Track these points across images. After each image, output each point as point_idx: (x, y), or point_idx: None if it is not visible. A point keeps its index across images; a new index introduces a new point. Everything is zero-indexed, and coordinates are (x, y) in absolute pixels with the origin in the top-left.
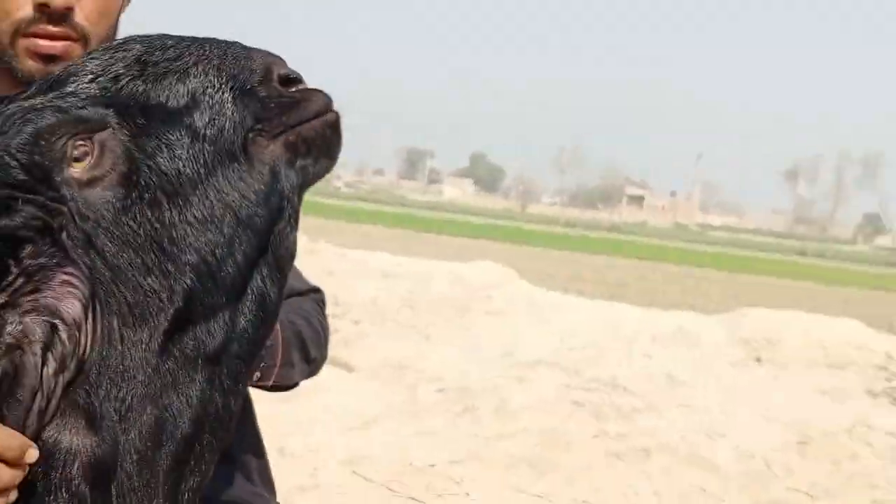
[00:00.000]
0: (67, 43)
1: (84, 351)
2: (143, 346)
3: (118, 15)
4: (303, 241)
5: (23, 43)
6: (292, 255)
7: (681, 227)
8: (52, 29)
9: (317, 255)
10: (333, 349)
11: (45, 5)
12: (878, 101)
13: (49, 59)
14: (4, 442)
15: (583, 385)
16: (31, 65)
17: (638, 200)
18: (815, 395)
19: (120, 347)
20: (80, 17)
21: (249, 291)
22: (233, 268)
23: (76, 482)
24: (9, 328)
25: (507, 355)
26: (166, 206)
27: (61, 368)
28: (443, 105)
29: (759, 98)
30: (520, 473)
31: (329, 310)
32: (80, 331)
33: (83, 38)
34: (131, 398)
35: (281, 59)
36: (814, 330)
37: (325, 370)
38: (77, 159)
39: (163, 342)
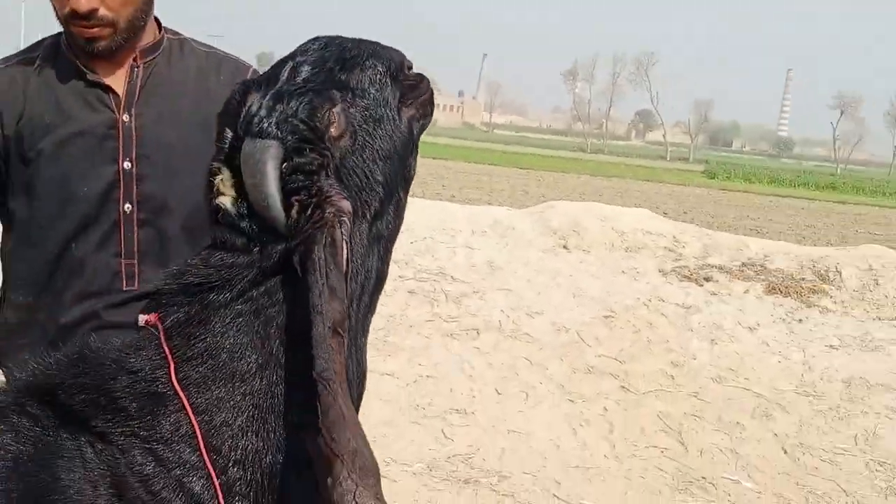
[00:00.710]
0: (97, 29)
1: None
2: (362, 231)
3: None
4: None
5: (70, 27)
6: (413, 177)
7: (468, 127)
8: (84, 23)
9: None
10: None
11: (74, 10)
12: (649, 5)
13: (88, 39)
14: None
15: (416, 276)
16: (83, 42)
17: None
18: (616, 275)
19: (353, 232)
20: (103, 10)
21: (396, 198)
22: (394, 183)
23: None
24: (327, 214)
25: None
26: (369, 148)
27: (345, 241)
28: None
29: (541, 1)
30: (368, 357)
31: None
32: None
33: (110, 24)
34: (356, 260)
35: (403, 54)
36: (610, 218)
37: None
38: (330, 121)
39: (368, 229)
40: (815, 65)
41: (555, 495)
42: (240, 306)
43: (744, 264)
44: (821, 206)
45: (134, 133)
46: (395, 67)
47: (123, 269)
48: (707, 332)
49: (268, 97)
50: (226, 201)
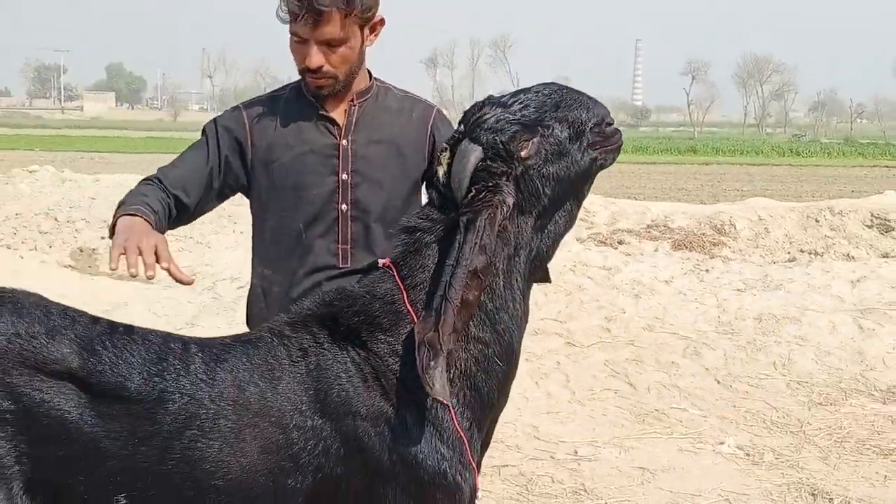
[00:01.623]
0: (323, 80)
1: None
2: (528, 221)
3: (358, 56)
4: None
5: (305, 78)
6: (585, 197)
7: None
8: (313, 75)
9: (68, 184)
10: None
11: (306, 67)
12: None
13: (318, 87)
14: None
15: None
16: (313, 90)
17: None
18: None
19: (519, 219)
20: (327, 67)
21: (566, 208)
22: (562, 198)
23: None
24: (495, 199)
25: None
26: (546, 171)
27: (500, 221)
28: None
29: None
30: None
31: (104, 232)
32: (510, 209)
33: (333, 77)
34: (521, 237)
35: (607, 110)
36: None
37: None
38: (523, 147)
39: (534, 221)
40: (662, 33)
41: (536, 437)
42: (435, 247)
43: (648, 226)
44: (686, 168)
45: (350, 154)
46: (595, 122)
47: (340, 252)
48: (630, 288)
49: (495, 116)
50: (440, 171)
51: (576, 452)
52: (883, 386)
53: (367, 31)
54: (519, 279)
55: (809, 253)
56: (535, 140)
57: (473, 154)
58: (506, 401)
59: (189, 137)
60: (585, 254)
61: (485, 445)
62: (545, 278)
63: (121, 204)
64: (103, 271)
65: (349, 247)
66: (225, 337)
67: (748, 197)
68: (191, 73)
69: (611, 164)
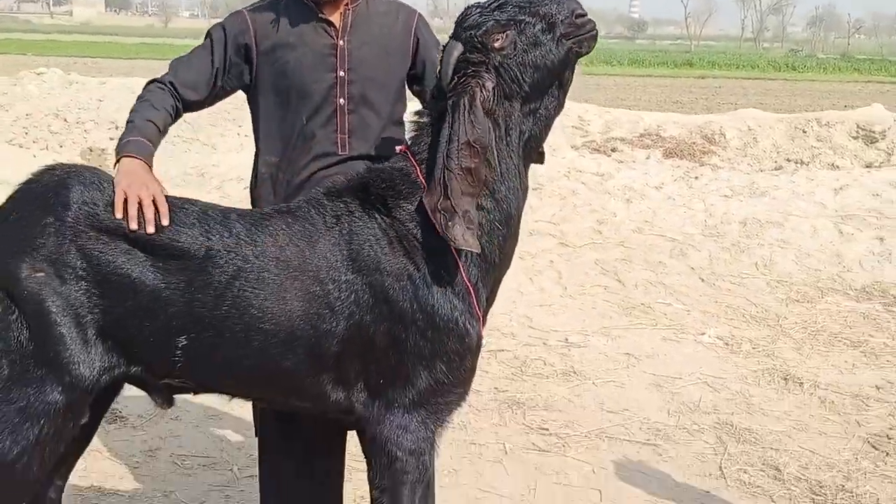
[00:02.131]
0: None
1: (491, 102)
2: (515, 106)
3: None
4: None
5: None
6: (568, 85)
7: None
8: None
9: (76, 86)
10: None
11: None
12: None
13: None
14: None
15: None
16: None
17: None
18: None
19: (505, 104)
20: None
21: (551, 93)
22: (544, 84)
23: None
24: (471, 82)
25: None
26: (522, 59)
27: (482, 101)
28: None
29: None
30: None
31: (113, 133)
32: (491, 92)
33: None
34: (512, 118)
35: (578, 3)
36: None
37: None
38: (496, 39)
39: (520, 105)
40: None
41: (530, 327)
42: (436, 129)
43: (641, 135)
44: (682, 82)
45: (347, 53)
46: (566, 14)
47: (339, 141)
48: (621, 193)
49: (473, 16)
50: (437, 69)
51: (566, 340)
52: (858, 286)
53: None
54: (514, 156)
55: (796, 162)
56: (508, 33)
57: (455, 49)
58: (507, 264)
59: (181, 44)
60: (579, 160)
61: (490, 301)
62: (540, 159)
63: (128, 123)
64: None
65: (347, 136)
66: (270, 207)
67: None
68: None
69: (587, 51)
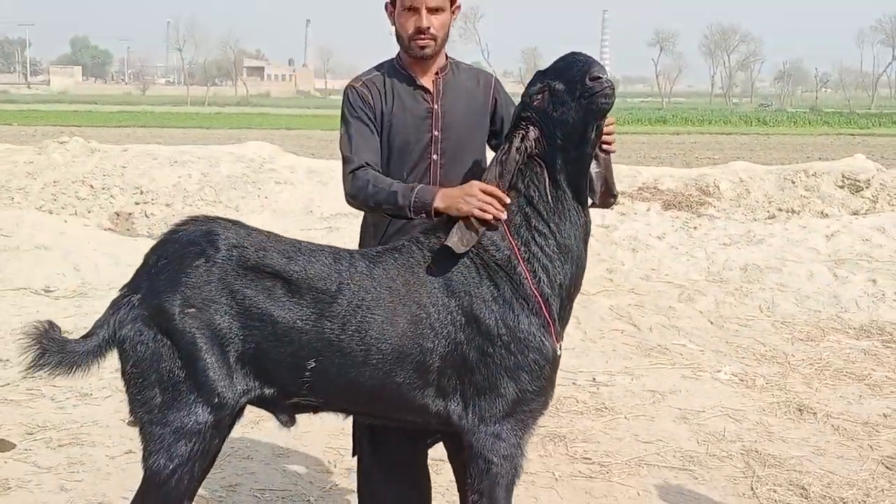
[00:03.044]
0: (428, 40)
1: (538, 148)
2: (554, 146)
3: (450, 25)
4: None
5: (413, 43)
6: (600, 133)
7: (303, 95)
8: (422, 37)
9: (98, 153)
10: (158, 228)
11: (419, 28)
12: None
13: (422, 48)
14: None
15: None
16: (417, 51)
17: (258, 71)
18: None
19: (548, 150)
20: (433, 29)
21: (576, 141)
22: (571, 134)
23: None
24: (518, 131)
25: (309, 213)
26: (553, 114)
27: (526, 149)
28: None
29: None
30: None
31: (138, 198)
32: (537, 140)
33: (434, 39)
34: (551, 155)
35: (600, 65)
36: None
37: None
38: (535, 100)
39: (555, 146)
40: (629, 4)
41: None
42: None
43: (640, 188)
44: (657, 139)
45: (441, 115)
46: (580, 75)
47: None
48: (627, 243)
49: (532, 80)
50: None
51: (594, 380)
52: (856, 325)
53: (452, 7)
54: (563, 193)
55: (787, 211)
56: (544, 94)
57: (517, 108)
58: (577, 289)
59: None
60: None
61: (563, 319)
62: (606, 203)
63: (396, 193)
64: (141, 233)
65: (438, 186)
66: (381, 247)
67: (720, 164)
68: (156, 46)
69: (602, 107)
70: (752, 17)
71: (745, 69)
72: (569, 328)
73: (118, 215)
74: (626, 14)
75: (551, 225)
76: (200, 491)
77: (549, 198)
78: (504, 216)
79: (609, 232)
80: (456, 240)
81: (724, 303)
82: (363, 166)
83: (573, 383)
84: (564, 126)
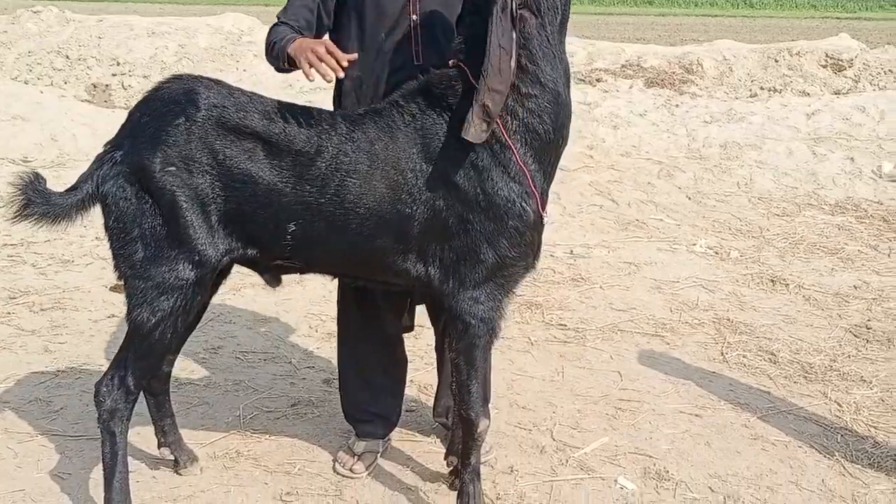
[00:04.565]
0: None
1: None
2: (545, 20)
3: None
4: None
5: None
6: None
7: None
8: None
9: (73, 23)
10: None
11: None
12: None
13: None
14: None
15: None
16: None
17: None
18: None
19: (538, 19)
20: None
21: (560, 8)
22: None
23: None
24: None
25: (288, 87)
26: None
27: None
28: None
29: None
30: None
31: (115, 69)
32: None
33: None
34: (544, 7)
35: None
36: None
37: None
38: None
39: (541, 18)
40: None
41: None
42: (480, 37)
43: (623, 65)
44: (642, 20)
45: None
46: None
47: (414, 52)
48: (608, 120)
49: None
50: None
51: (571, 252)
52: (832, 201)
53: None
54: (552, 39)
55: (769, 90)
56: None
57: None
58: (564, 139)
59: None
60: None
61: (552, 175)
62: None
63: (273, 43)
64: (118, 105)
65: (420, 48)
66: (362, 109)
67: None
68: None
69: None
70: None
71: None
72: (548, 204)
73: (95, 87)
74: None
75: (542, 79)
76: (184, 351)
77: (538, 47)
78: (333, 76)
79: (591, 109)
80: (473, 130)
81: (703, 179)
82: (278, 23)
83: (551, 255)
84: None
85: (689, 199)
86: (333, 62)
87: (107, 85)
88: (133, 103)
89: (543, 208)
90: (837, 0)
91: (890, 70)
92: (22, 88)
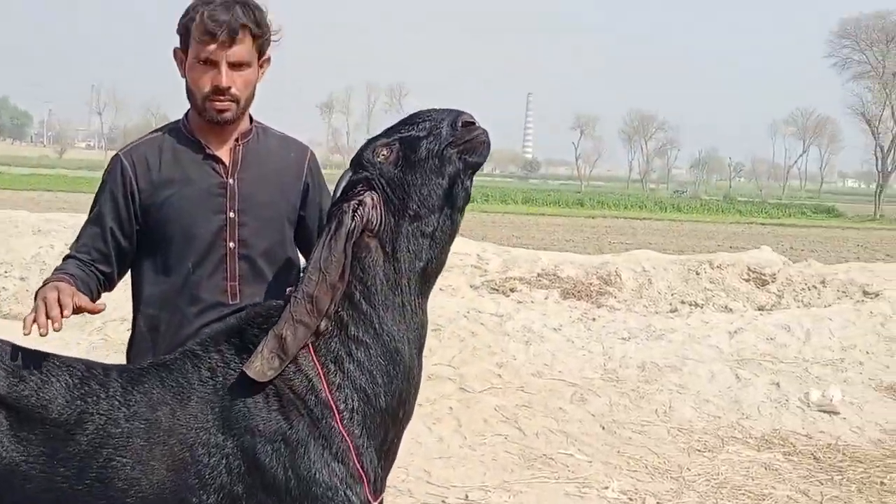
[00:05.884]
0: (228, 103)
1: (375, 221)
2: (403, 224)
3: (255, 84)
4: None
5: (208, 104)
6: (467, 198)
7: None
8: (221, 98)
9: None
10: (8, 305)
11: (217, 87)
12: (399, 36)
13: (220, 112)
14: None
15: None
16: (214, 115)
17: None
18: (435, 293)
19: (392, 221)
20: (234, 89)
21: (445, 211)
22: (435, 197)
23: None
24: (344, 206)
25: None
26: (409, 171)
27: (361, 221)
28: None
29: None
30: None
31: None
32: (375, 210)
33: (236, 101)
34: (401, 242)
35: (468, 113)
36: None
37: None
38: (379, 153)
39: (409, 223)
40: (553, 88)
41: (427, 482)
42: None
43: (539, 275)
44: (573, 221)
45: (237, 192)
46: (450, 121)
47: (229, 289)
48: (521, 335)
49: (367, 141)
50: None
51: (466, 497)
52: (758, 434)
53: (260, 61)
54: (403, 284)
55: (690, 304)
56: (393, 146)
57: (346, 173)
58: (408, 413)
59: (76, 176)
60: (479, 300)
61: (390, 455)
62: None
63: (44, 283)
64: None
65: (237, 283)
66: (148, 361)
67: (631, 250)
68: (79, 109)
69: (478, 159)
70: (671, 105)
71: (661, 156)
72: (447, 432)
73: None
74: (550, 97)
75: (377, 327)
76: None
77: (381, 288)
78: (44, 331)
79: (503, 322)
80: (258, 365)
81: (619, 405)
82: (67, 256)
83: (443, 501)
84: (424, 186)
85: (604, 428)
86: (44, 316)
87: None
88: (5, 308)
89: (376, 498)
90: (761, 206)
91: (813, 286)
92: None
